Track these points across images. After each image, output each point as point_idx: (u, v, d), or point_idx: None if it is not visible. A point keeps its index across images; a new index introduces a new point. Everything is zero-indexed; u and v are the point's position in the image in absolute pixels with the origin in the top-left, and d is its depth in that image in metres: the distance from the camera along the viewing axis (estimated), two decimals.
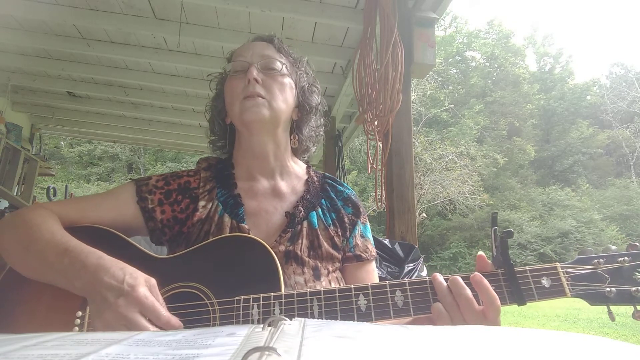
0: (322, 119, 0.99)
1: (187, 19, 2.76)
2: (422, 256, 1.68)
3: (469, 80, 23.78)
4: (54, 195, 5.09)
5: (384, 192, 2.09)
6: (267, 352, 0.28)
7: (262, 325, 0.39)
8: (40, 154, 5.15)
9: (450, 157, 16.81)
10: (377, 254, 1.57)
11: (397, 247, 1.63)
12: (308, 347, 0.31)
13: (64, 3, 2.63)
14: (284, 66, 0.89)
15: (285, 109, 0.88)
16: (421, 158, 16.54)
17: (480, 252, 0.70)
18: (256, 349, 0.28)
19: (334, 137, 4.21)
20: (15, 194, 4.33)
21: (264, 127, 0.86)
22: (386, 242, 1.65)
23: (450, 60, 24.28)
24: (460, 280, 0.65)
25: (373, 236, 1.49)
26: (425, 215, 17.34)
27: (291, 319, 0.41)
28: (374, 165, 2.16)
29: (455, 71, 24.92)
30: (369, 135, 2.18)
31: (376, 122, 2.08)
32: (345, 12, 2.58)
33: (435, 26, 2.22)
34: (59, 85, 4.09)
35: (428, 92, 20.42)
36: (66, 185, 6.97)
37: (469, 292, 0.64)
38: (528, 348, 0.33)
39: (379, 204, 2.14)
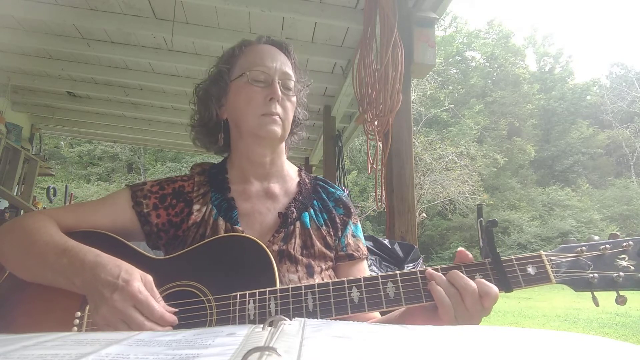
0: (305, 111, 1.03)
1: (187, 19, 2.77)
2: (422, 256, 1.68)
3: (469, 80, 23.78)
4: (54, 195, 5.10)
5: (384, 192, 2.09)
6: (267, 352, 0.28)
7: (262, 325, 0.39)
8: (40, 154, 5.15)
9: (450, 157, 16.80)
10: (377, 254, 1.57)
11: (397, 247, 1.63)
12: (308, 347, 0.31)
13: (64, 3, 2.63)
14: (296, 87, 0.92)
15: (291, 125, 0.93)
16: (421, 158, 16.52)
17: (461, 248, 0.72)
18: (256, 349, 0.28)
19: (334, 137, 4.21)
20: (15, 194, 4.33)
21: (274, 143, 0.90)
22: (386, 242, 1.65)
23: (450, 60, 24.26)
24: (460, 273, 0.67)
25: (373, 236, 1.49)
26: (425, 215, 17.34)
27: (288, 316, 0.41)
28: (374, 165, 2.16)
29: (455, 71, 24.91)
30: (369, 135, 2.18)
31: (376, 122, 2.07)
32: (345, 12, 2.58)
33: (435, 26, 2.22)
34: (59, 85, 4.09)
35: (428, 92, 20.40)
36: (66, 186, 6.98)
37: (472, 283, 0.65)
38: (528, 348, 0.33)
39: (379, 204, 2.14)
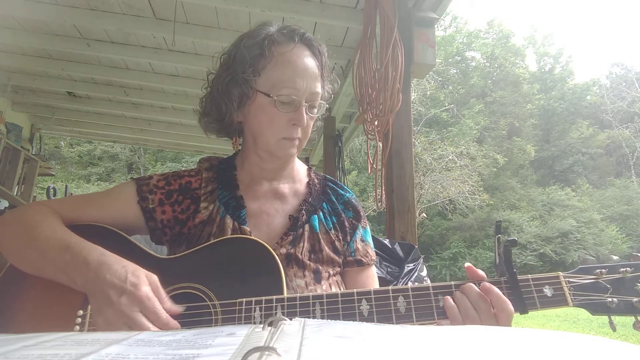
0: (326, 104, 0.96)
1: (186, 19, 2.77)
2: (422, 256, 1.68)
3: (469, 80, 23.76)
4: (54, 195, 5.09)
5: (384, 192, 2.09)
6: (267, 352, 0.28)
7: (262, 325, 0.39)
8: (40, 154, 5.16)
9: (450, 157, 16.80)
10: (377, 253, 1.57)
11: (397, 247, 1.63)
12: (308, 347, 0.31)
13: (64, 3, 2.63)
14: (320, 104, 0.86)
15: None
16: (421, 158, 16.52)
17: (468, 264, 0.70)
18: (256, 349, 0.28)
19: (334, 137, 4.21)
20: (15, 194, 4.33)
21: (288, 161, 0.90)
22: (386, 242, 1.65)
23: (450, 60, 24.24)
24: (496, 288, 0.66)
25: (373, 236, 1.49)
26: (425, 215, 17.32)
27: (291, 319, 0.41)
28: (374, 165, 2.16)
29: (455, 71, 24.89)
30: (369, 135, 2.18)
31: (376, 122, 2.07)
32: (345, 12, 2.58)
33: (435, 26, 2.22)
34: (59, 85, 4.09)
35: (428, 92, 20.39)
36: (66, 185, 6.97)
37: (505, 298, 0.65)
38: (528, 348, 0.33)
39: (379, 204, 2.14)
